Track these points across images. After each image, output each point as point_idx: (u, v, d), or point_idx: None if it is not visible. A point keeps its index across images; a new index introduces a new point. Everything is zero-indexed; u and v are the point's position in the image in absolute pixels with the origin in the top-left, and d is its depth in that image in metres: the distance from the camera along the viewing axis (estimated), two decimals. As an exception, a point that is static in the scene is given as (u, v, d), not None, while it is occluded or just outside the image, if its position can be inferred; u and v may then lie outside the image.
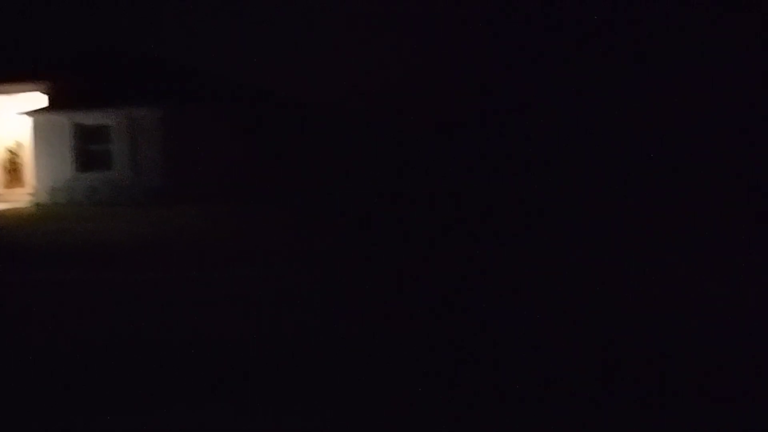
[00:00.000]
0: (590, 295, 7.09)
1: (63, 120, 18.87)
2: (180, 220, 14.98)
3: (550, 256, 9.32)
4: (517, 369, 5.03)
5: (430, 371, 5.05)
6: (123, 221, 15.23)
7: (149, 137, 18.50)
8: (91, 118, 18.90)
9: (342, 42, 18.74)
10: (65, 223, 15.36)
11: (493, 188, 15.88)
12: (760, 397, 4.44)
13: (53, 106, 19.22)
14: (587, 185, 14.65)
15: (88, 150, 18.83)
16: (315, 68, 19.41)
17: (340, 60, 18.79)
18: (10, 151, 20.58)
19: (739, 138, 14.37)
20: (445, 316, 6.59)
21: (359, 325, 6.40)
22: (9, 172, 20.73)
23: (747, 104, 14.75)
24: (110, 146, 18.73)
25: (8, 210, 17.95)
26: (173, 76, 19.36)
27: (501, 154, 17.42)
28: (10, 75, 19.74)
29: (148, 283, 8.60)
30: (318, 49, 19.55)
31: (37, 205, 18.61)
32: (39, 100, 19.49)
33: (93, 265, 10.06)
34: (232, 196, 17.39)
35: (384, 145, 18.55)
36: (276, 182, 17.88)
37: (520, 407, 4.39)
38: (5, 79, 19.65)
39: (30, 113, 19.15)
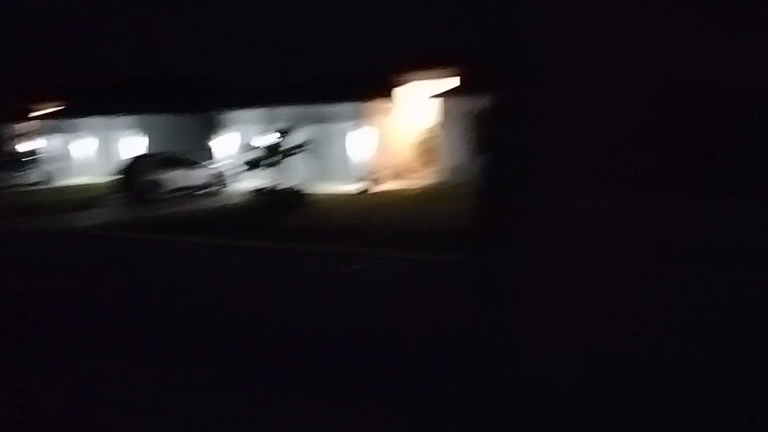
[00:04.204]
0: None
1: (466, 104, 19.76)
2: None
3: None
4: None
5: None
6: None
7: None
8: (486, 103, 19.32)
9: None
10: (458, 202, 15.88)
11: None
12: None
13: (459, 91, 20.26)
14: None
15: (482, 134, 19.31)
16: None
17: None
18: (428, 133, 22.48)
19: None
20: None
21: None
22: (425, 152, 22.73)
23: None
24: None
25: (412, 187, 19.71)
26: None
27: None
28: (433, 62, 21.55)
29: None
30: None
31: (440, 184, 19.95)
32: (451, 85, 20.81)
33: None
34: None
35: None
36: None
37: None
38: (431, 66, 21.55)
39: (439, 97, 20.56)
